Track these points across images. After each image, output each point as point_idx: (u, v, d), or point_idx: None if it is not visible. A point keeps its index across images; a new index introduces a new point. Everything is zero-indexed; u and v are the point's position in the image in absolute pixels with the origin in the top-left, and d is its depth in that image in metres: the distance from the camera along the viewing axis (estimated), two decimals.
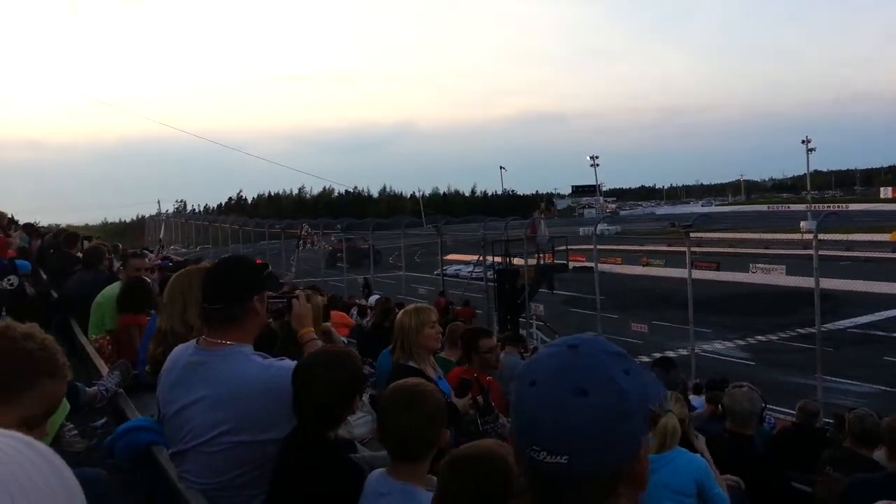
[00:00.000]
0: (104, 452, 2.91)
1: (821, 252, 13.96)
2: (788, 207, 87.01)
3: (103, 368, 4.22)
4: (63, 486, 0.68)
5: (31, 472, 0.65)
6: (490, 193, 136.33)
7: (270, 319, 3.74)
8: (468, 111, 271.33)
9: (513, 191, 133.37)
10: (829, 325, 20.33)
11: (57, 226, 15.18)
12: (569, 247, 24.78)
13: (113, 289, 5.27)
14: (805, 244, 32.56)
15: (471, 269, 28.14)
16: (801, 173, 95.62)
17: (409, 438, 2.13)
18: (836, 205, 72.97)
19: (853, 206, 69.02)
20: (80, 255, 7.29)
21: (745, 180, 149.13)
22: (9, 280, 5.58)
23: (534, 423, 0.95)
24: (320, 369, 2.28)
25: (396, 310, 7.99)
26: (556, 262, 22.76)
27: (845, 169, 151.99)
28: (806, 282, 17.13)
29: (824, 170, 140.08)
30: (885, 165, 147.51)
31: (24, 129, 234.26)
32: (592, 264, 20.38)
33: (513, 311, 20.96)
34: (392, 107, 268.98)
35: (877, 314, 25.54)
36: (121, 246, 12.15)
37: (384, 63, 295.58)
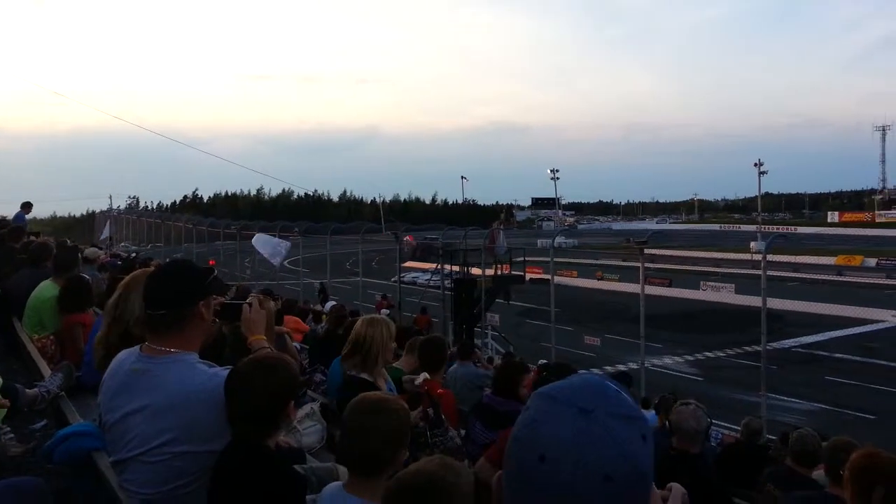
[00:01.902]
0: (43, 457, 2.81)
1: (769, 273, 14.34)
2: (739, 228, 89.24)
3: (45, 370, 4.08)
4: None
5: None
6: (451, 202, 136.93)
7: (221, 324, 3.68)
8: (433, 119, 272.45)
9: (473, 201, 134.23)
10: (775, 344, 20.90)
11: (3, 218, 14.67)
12: (526, 258, 24.98)
13: (47, 289, 5.12)
14: (754, 264, 33.47)
15: (428, 277, 28.13)
16: (753, 195, 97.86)
17: (372, 454, 2.10)
18: (785, 227, 75.18)
19: (801, 229, 71.18)
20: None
21: (698, 199, 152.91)
22: None
23: None
24: (252, 377, 2.24)
25: (350, 317, 7.93)
26: (513, 273, 22.92)
27: (795, 192, 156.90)
28: (754, 301, 17.59)
29: (775, 192, 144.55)
30: (833, 191, 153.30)
31: None
32: (549, 276, 20.58)
33: (469, 321, 21.01)
34: (357, 111, 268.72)
35: (821, 335, 26.36)
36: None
37: (352, 66, 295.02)
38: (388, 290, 27.78)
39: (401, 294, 23.73)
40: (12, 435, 3.17)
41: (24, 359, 4.86)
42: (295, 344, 7.03)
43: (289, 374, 2.32)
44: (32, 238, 8.16)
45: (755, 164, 69.70)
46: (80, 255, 6.31)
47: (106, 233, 27.80)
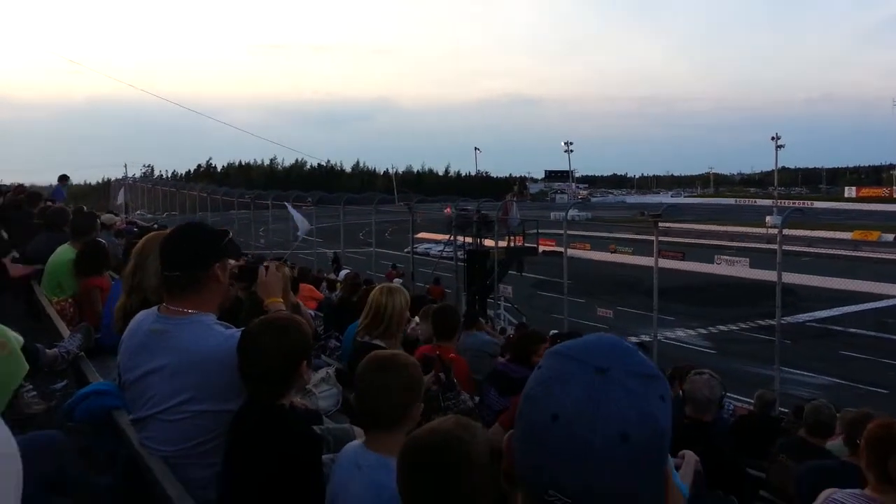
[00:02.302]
0: (63, 415, 2.86)
1: (784, 247, 14.21)
2: (755, 202, 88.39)
3: (65, 331, 4.14)
4: None
5: None
6: (464, 174, 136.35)
7: (237, 288, 3.70)
8: (447, 91, 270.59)
9: (487, 173, 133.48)
10: (789, 318, 20.79)
11: (19, 184, 14.82)
12: (539, 231, 24.90)
13: (65, 253, 5.16)
14: (769, 238, 33.14)
15: (441, 247, 28.12)
16: (770, 169, 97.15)
17: (385, 406, 2.11)
18: (801, 201, 74.42)
19: (818, 204, 70.47)
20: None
21: (714, 173, 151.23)
22: None
23: (561, 467, 0.82)
24: (263, 337, 2.25)
25: (364, 285, 7.96)
26: (526, 245, 22.87)
27: (812, 167, 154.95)
28: (768, 275, 17.48)
29: (792, 167, 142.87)
30: (851, 166, 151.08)
31: None
32: (562, 249, 20.50)
33: (482, 292, 21.05)
34: (371, 82, 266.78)
35: (835, 309, 26.21)
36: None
37: (366, 37, 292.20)
38: (401, 260, 27.84)
39: (414, 265, 23.76)
40: (35, 393, 3.22)
41: (44, 321, 4.93)
42: (309, 311, 7.08)
43: (300, 334, 2.32)
44: (49, 203, 8.21)
45: (772, 138, 68.91)
46: (98, 220, 6.35)
47: (121, 199, 27.79)
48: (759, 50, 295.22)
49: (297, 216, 7.28)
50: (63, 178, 15.31)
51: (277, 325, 2.32)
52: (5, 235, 8.04)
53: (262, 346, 2.23)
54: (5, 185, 15.39)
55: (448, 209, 23.46)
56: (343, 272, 16.90)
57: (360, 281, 8.24)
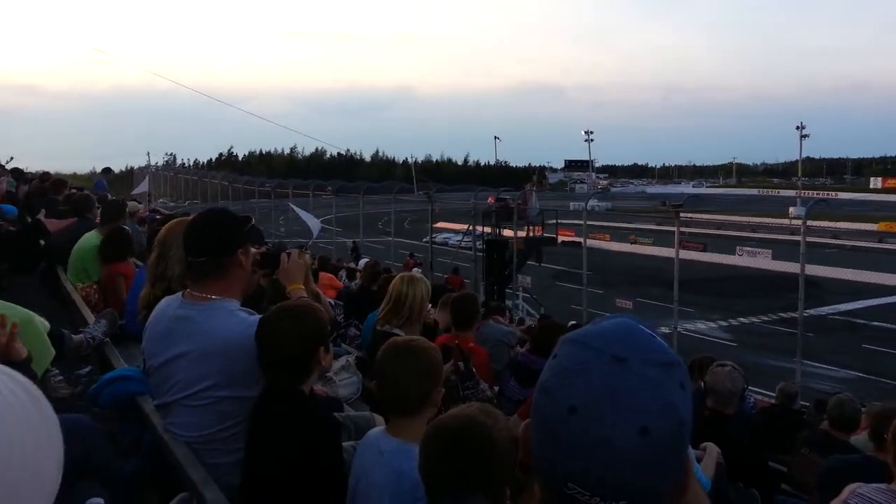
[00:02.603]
0: (89, 400, 2.90)
1: (808, 238, 14.03)
2: (778, 193, 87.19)
3: (90, 317, 4.19)
4: (38, 408, 0.69)
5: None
6: (483, 164, 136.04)
7: (260, 275, 3.72)
8: (468, 79, 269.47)
9: (506, 162, 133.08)
10: (812, 311, 20.57)
11: (43, 172, 15.05)
12: (559, 221, 24.79)
13: (91, 239, 5.22)
14: (792, 230, 32.76)
15: (460, 237, 28.12)
16: (793, 159, 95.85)
17: (406, 391, 2.11)
18: (825, 192, 73.31)
19: (842, 195, 69.36)
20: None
21: (737, 163, 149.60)
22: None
23: (579, 462, 0.79)
24: (280, 324, 2.26)
25: (384, 274, 7.97)
26: (545, 235, 22.78)
27: (837, 157, 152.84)
28: (791, 267, 17.28)
29: (816, 157, 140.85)
30: (877, 156, 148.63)
31: (20, 73, 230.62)
32: (581, 239, 20.40)
33: (500, 282, 21.03)
34: (391, 70, 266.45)
35: (858, 302, 25.87)
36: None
37: (388, 25, 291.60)
38: (419, 250, 27.88)
39: (432, 254, 23.79)
40: (61, 377, 3.27)
41: (69, 306, 5.00)
42: (329, 300, 7.12)
43: (317, 320, 2.33)
44: (74, 190, 8.32)
45: (797, 128, 68.04)
46: (125, 208, 6.43)
47: (143, 187, 28.05)
48: (784, 38, 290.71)
49: (305, 215, 7.27)
50: (107, 171, 15.58)
51: (294, 311, 2.33)
52: (30, 220, 8.16)
53: (279, 333, 2.24)
54: (31, 173, 15.62)
55: (491, 199, 23.22)
56: (363, 261, 16.96)
57: (380, 269, 8.26)
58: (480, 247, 22.41)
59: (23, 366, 2.19)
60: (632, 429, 0.78)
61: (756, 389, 12.21)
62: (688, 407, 0.83)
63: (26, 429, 0.71)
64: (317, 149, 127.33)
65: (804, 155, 74.23)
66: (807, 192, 69.50)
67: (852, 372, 18.09)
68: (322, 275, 10.08)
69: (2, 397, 0.69)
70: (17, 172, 13.23)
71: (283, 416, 2.20)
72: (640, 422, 0.78)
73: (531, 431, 0.86)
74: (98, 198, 7.37)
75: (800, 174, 77.99)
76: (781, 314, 23.03)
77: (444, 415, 1.83)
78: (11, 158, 15.97)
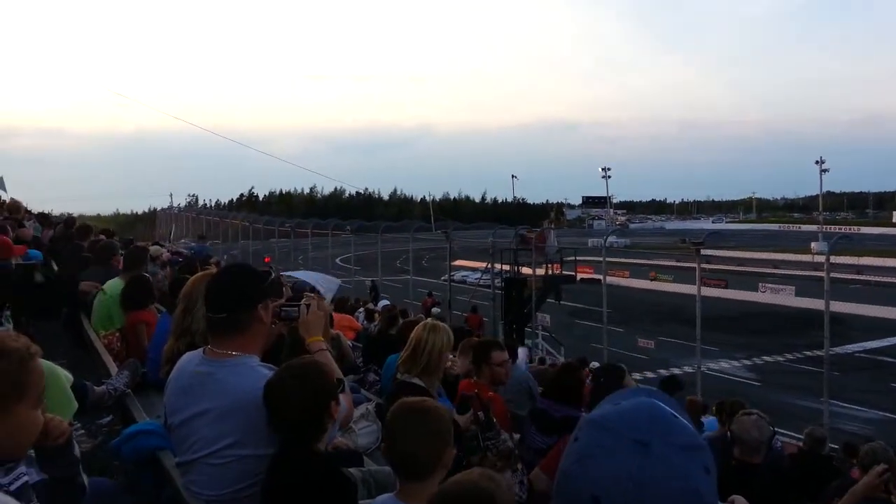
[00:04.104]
0: (110, 453, 2.90)
1: (832, 274, 13.85)
2: (800, 228, 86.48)
3: (112, 366, 4.22)
4: None
5: None
6: (501, 201, 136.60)
7: (280, 325, 3.73)
8: (484, 118, 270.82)
9: (523, 199, 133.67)
10: (837, 349, 20.17)
11: (69, 215, 15.42)
12: (577, 258, 24.72)
13: (115, 286, 5.27)
14: (815, 265, 32.37)
15: (478, 275, 28.10)
16: (814, 194, 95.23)
17: (416, 456, 2.11)
18: (847, 227, 72.61)
19: (865, 229, 68.66)
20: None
21: (756, 198, 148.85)
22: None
23: None
24: (288, 386, 2.25)
25: (401, 318, 7.95)
26: (563, 272, 22.71)
27: (858, 191, 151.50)
28: (815, 303, 17.00)
29: (837, 191, 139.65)
30: None
31: (42, 117, 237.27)
32: (600, 276, 20.29)
33: (519, 320, 20.93)
34: (409, 110, 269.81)
35: (885, 339, 25.35)
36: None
37: (405, 65, 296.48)
38: (438, 288, 27.87)
39: (451, 293, 23.75)
40: (82, 431, 3.28)
41: (92, 354, 5.04)
42: (348, 342, 7.10)
43: (323, 377, 2.33)
44: (102, 237, 8.45)
45: (816, 162, 67.73)
46: (147, 254, 6.51)
47: (172, 228, 28.83)
48: (802, 71, 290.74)
49: (314, 278, 7.13)
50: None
51: (299, 371, 2.33)
52: (55, 267, 8.29)
53: (287, 396, 2.24)
54: (56, 216, 15.96)
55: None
56: (382, 302, 16.96)
57: (397, 313, 8.24)
58: (499, 285, 22.37)
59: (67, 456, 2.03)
60: None
61: (782, 431, 11.96)
62: (712, 492, 0.82)
63: None
64: (336, 188, 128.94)
65: (825, 189, 73.84)
66: (828, 226, 68.88)
67: (881, 412, 17.67)
68: (340, 316, 10.06)
69: None
70: (42, 217, 13.51)
71: (297, 478, 2.19)
72: None
73: None
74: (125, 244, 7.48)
75: (821, 209, 77.25)
76: (806, 352, 22.63)
77: (447, 482, 1.84)
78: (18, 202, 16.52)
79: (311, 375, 2.31)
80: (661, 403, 0.87)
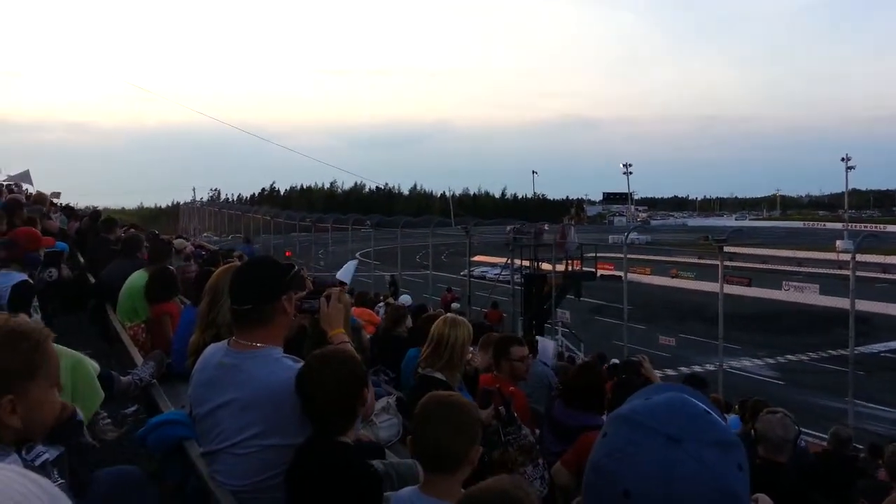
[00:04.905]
0: (136, 442, 2.94)
1: (857, 273, 13.65)
2: (825, 225, 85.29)
3: (137, 357, 4.27)
4: None
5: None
6: (520, 197, 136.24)
7: (302, 317, 3.75)
8: (504, 113, 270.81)
9: (543, 195, 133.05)
10: (862, 348, 19.89)
11: (94, 208, 15.63)
12: (597, 254, 24.57)
13: (140, 278, 5.33)
14: (840, 264, 31.94)
15: (497, 271, 28.05)
16: (840, 191, 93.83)
17: (443, 448, 2.11)
18: (873, 225, 71.46)
19: (891, 228, 67.52)
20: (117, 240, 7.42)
21: (781, 195, 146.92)
22: (49, 273, 5.68)
23: None
24: (323, 374, 2.26)
25: (410, 317, 7.88)
26: (584, 269, 22.58)
27: (885, 189, 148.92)
28: (840, 302, 16.80)
29: (863, 188, 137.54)
30: None
31: (68, 112, 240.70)
32: (621, 273, 20.19)
33: (539, 317, 20.85)
34: (428, 105, 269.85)
35: None
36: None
37: (425, 60, 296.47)
38: (457, 283, 27.86)
39: (470, 288, 23.73)
40: (109, 420, 3.33)
41: (117, 345, 5.10)
42: (367, 335, 7.10)
43: (356, 364, 2.35)
44: (132, 230, 8.55)
45: (842, 159, 66.64)
46: (172, 248, 6.58)
47: (195, 222, 29.42)
48: (827, 67, 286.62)
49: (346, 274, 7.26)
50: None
51: (332, 359, 2.34)
52: (81, 260, 8.40)
53: (322, 383, 2.25)
54: (81, 209, 16.15)
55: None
56: (402, 297, 16.99)
57: (404, 312, 8.13)
58: (519, 281, 22.30)
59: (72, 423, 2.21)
60: None
61: (806, 431, 11.82)
62: (746, 490, 0.80)
63: None
64: (356, 183, 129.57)
65: (850, 186, 72.64)
66: (854, 224, 67.86)
67: None
68: (361, 310, 10.08)
69: None
70: (68, 210, 13.69)
71: (323, 468, 2.20)
72: None
73: None
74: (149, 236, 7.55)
75: (846, 206, 76.10)
76: (831, 351, 22.35)
77: (477, 486, 1.83)
78: (58, 194, 16.71)
79: (342, 362, 2.33)
80: (692, 399, 0.86)
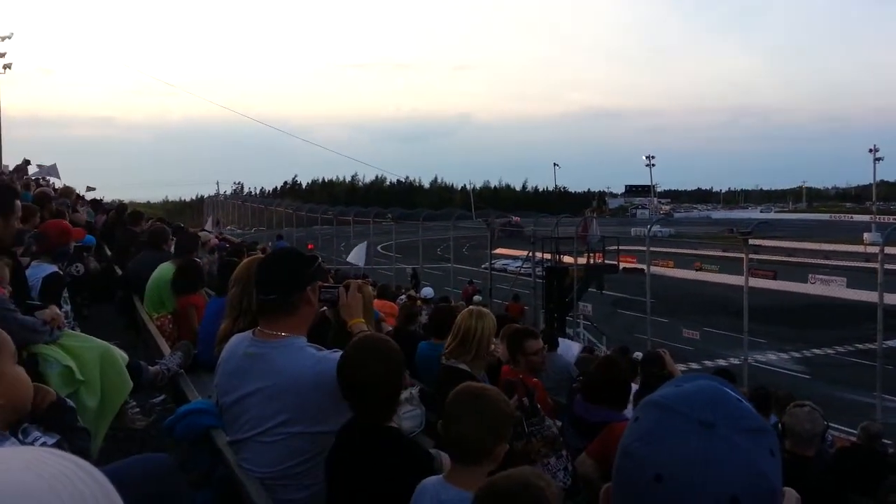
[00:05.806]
0: (164, 431, 2.98)
1: (886, 265, 13.42)
2: (852, 218, 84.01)
3: (164, 347, 4.33)
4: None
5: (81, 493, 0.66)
6: (542, 189, 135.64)
7: (325, 309, 3.77)
8: (526, 105, 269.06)
9: (565, 188, 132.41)
10: (891, 342, 19.56)
11: (120, 202, 15.88)
12: (620, 247, 24.41)
13: (167, 270, 5.40)
14: (868, 256, 31.41)
15: (519, 264, 28.02)
16: (867, 183, 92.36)
17: (472, 439, 2.11)
18: None
19: None
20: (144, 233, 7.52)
21: (807, 187, 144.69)
22: (76, 267, 5.78)
23: None
24: (368, 361, 2.28)
25: (424, 312, 7.89)
26: (606, 262, 22.46)
27: None
28: (867, 295, 16.58)
29: (891, 180, 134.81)
30: None
31: (95, 106, 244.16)
32: (644, 266, 20.03)
33: (560, 310, 20.79)
34: (451, 98, 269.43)
35: None
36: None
37: (447, 53, 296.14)
38: (478, 276, 27.86)
39: (492, 281, 23.71)
40: (137, 409, 3.38)
41: (144, 336, 5.17)
42: (389, 328, 7.14)
43: (394, 350, 2.39)
44: (158, 223, 8.66)
45: (870, 151, 65.59)
46: (199, 241, 6.66)
47: (209, 225, 29.79)
48: (852, 57, 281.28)
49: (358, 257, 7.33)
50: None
51: (375, 346, 2.36)
52: (108, 252, 8.53)
53: (369, 371, 2.27)
54: (108, 203, 16.39)
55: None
56: (424, 290, 17.04)
57: (417, 310, 8.13)
58: (540, 273, 22.24)
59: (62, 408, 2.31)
60: (722, 500, 0.75)
61: (833, 425, 11.66)
62: (777, 475, 0.80)
63: None
64: (377, 176, 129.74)
65: (878, 178, 71.40)
66: (882, 217, 66.74)
67: None
68: (383, 303, 10.12)
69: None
70: (95, 203, 13.91)
71: (375, 451, 2.24)
72: (730, 492, 0.75)
73: (613, 497, 0.84)
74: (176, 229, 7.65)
75: (874, 198, 74.81)
76: (858, 345, 21.99)
77: (498, 475, 1.84)
78: (93, 189, 16.96)
79: (383, 348, 2.36)
80: (723, 386, 0.86)
